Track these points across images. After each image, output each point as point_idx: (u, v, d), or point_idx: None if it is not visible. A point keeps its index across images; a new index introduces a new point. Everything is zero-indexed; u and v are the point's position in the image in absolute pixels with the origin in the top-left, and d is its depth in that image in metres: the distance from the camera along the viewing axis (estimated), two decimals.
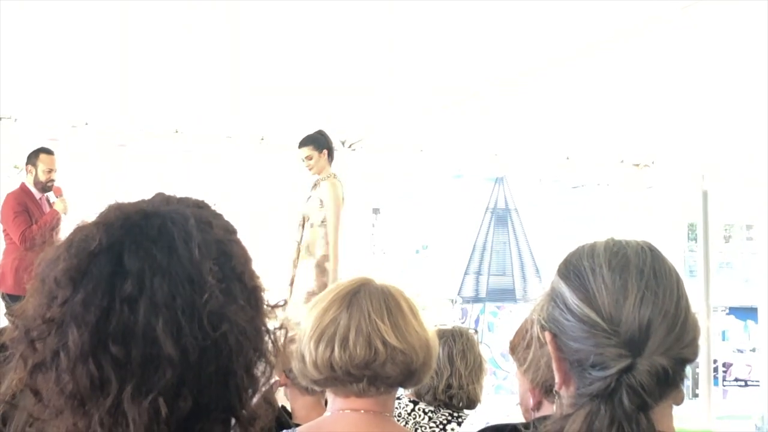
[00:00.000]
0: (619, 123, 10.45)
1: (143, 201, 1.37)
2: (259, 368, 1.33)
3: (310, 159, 9.00)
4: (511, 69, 9.35)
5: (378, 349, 2.36)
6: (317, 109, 9.75)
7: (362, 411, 2.41)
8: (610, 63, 9.23)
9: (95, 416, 1.23)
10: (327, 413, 2.52)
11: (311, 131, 9.13)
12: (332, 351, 2.37)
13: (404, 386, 2.56)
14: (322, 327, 2.41)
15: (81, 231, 1.34)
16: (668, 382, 1.59)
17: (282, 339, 1.38)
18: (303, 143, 9.04)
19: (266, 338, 1.35)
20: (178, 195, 1.40)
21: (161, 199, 1.38)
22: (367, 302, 2.42)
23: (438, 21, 8.45)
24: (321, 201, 8.91)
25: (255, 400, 1.33)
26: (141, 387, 1.22)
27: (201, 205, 1.39)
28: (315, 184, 8.96)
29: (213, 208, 1.40)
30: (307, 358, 2.42)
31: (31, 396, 1.28)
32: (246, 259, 1.37)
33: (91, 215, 1.36)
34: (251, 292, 1.34)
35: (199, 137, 10.13)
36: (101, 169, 9.93)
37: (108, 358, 1.22)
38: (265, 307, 1.37)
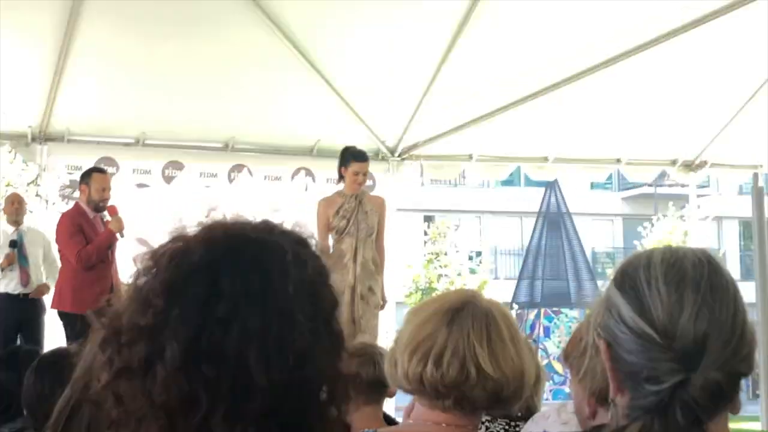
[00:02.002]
0: (670, 123, 10.38)
1: (247, 224, 1.37)
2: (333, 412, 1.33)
3: (366, 174, 8.80)
4: (561, 72, 9.36)
5: (470, 373, 2.30)
6: (367, 117, 9.82)
7: (444, 425, 2.37)
8: (657, 63, 9.20)
9: (179, 430, 1.24)
10: (409, 421, 2.51)
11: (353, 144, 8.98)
12: (425, 366, 2.32)
13: (491, 411, 2.51)
14: (419, 339, 2.36)
15: (181, 242, 1.33)
16: (723, 397, 1.57)
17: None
18: (366, 157, 8.78)
19: (342, 384, 1.35)
20: (284, 225, 1.40)
21: (265, 227, 1.37)
22: (468, 323, 2.36)
23: (488, 28, 8.48)
24: (378, 214, 8.70)
25: None
26: (233, 412, 1.23)
27: (301, 243, 1.38)
28: (361, 198, 8.61)
29: (313, 247, 1.40)
30: (399, 368, 2.38)
31: (113, 400, 1.29)
32: (334, 304, 1.37)
33: (191, 226, 1.36)
34: (336, 337, 1.35)
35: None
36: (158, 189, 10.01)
37: (200, 376, 1.23)
38: (345, 353, 1.37)
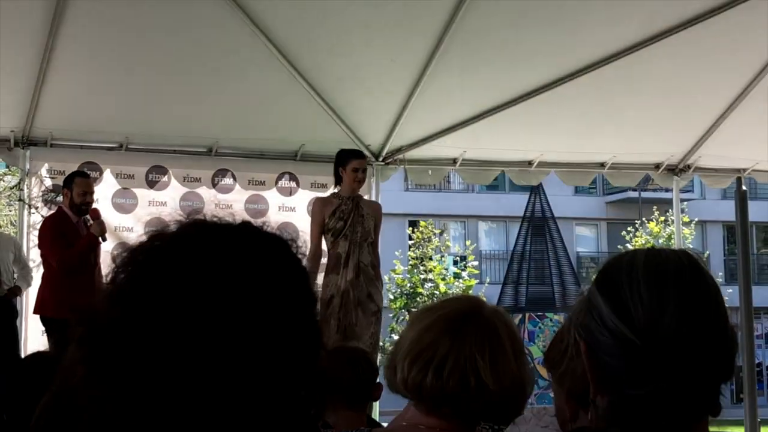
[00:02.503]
0: (654, 128, 10.41)
1: (224, 224, 1.37)
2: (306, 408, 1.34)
3: (365, 171, 8.66)
4: (544, 77, 9.38)
5: (470, 385, 2.27)
6: (352, 121, 9.82)
7: (438, 430, 2.34)
8: (640, 68, 9.23)
9: (154, 427, 1.23)
10: (403, 423, 2.49)
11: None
12: (425, 376, 2.29)
13: (488, 421, 2.47)
14: (421, 347, 2.33)
15: (155, 240, 1.33)
16: (702, 401, 1.56)
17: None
18: (364, 155, 8.74)
19: (318, 380, 1.35)
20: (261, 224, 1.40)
21: (243, 227, 1.37)
22: (471, 334, 2.32)
23: (473, 33, 8.49)
24: (374, 219, 8.53)
25: None
26: (205, 409, 1.23)
27: (281, 244, 1.37)
28: (358, 201, 8.45)
29: (293, 249, 1.40)
30: (398, 374, 2.35)
31: (86, 397, 1.28)
32: (313, 306, 1.36)
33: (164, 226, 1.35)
34: (312, 338, 1.34)
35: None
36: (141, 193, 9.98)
37: (173, 373, 1.22)
38: (321, 352, 1.37)
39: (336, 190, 8.55)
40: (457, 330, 2.32)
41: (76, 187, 8.50)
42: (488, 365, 2.28)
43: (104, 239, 8.45)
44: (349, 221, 8.31)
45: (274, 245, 1.37)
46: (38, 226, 8.87)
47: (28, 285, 9.06)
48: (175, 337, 1.24)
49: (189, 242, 1.32)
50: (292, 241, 1.40)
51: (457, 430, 2.34)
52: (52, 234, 8.40)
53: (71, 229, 8.45)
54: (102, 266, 8.39)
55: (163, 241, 1.33)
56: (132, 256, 1.32)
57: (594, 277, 1.71)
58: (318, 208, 8.46)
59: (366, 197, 8.98)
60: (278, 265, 1.33)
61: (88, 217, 8.49)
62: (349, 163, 8.33)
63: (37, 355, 3.76)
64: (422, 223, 30.79)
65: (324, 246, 8.40)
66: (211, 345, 1.23)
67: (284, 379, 1.28)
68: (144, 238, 1.34)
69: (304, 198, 10.43)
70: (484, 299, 2.52)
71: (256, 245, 1.34)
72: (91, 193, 8.65)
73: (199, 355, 1.23)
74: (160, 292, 1.26)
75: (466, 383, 2.27)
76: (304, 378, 1.31)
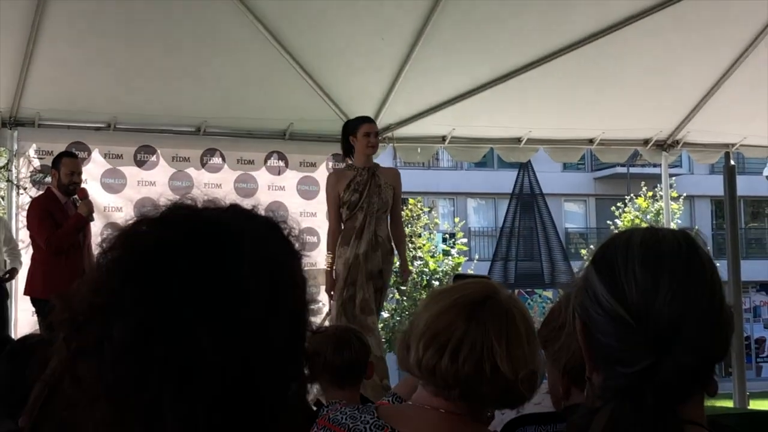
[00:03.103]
0: (643, 103, 10.41)
1: (210, 206, 1.37)
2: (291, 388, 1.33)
3: (378, 135, 8.31)
4: (532, 53, 9.37)
5: (485, 371, 2.25)
6: (340, 100, 9.80)
7: (442, 410, 2.32)
8: (629, 43, 9.22)
9: (131, 411, 1.23)
10: (409, 402, 2.48)
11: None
12: (440, 359, 2.27)
13: (497, 407, 2.45)
14: (436, 330, 2.30)
15: (140, 224, 1.33)
16: (695, 380, 1.57)
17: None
18: (372, 119, 8.41)
19: (304, 363, 1.35)
20: (251, 207, 1.39)
21: (230, 209, 1.37)
22: (488, 319, 2.29)
23: (460, 12, 8.47)
24: (393, 188, 8.20)
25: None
26: (182, 392, 1.22)
27: (268, 225, 1.37)
28: (374, 170, 8.11)
29: (285, 230, 1.39)
30: (412, 355, 2.32)
31: (70, 380, 1.28)
32: (301, 285, 1.36)
33: (151, 209, 1.35)
34: (298, 318, 1.34)
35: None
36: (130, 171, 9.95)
37: (150, 357, 1.23)
38: (306, 332, 1.36)
39: (349, 162, 8.24)
40: (473, 314, 2.30)
41: (64, 167, 8.48)
42: (505, 352, 2.26)
43: (92, 219, 8.41)
44: (365, 193, 8.01)
45: (260, 225, 1.36)
46: (27, 207, 8.84)
47: (21, 264, 9.03)
48: (151, 318, 1.23)
49: (168, 224, 1.32)
50: (284, 223, 1.39)
51: (463, 413, 2.32)
52: (40, 215, 8.37)
53: (59, 210, 8.43)
54: (92, 246, 8.37)
55: (144, 224, 1.33)
56: (116, 242, 1.31)
57: (591, 256, 1.72)
58: (332, 183, 8.16)
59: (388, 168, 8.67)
60: (259, 244, 1.33)
61: (76, 197, 8.47)
62: (360, 129, 8.04)
63: (27, 339, 3.75)
64: (411, 200, 30.79)
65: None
66: (188, 327, 1.23)
67: (264, 357, 1.27)
68: (131, 222, 1.34)
69: (293, 177, 10.42)
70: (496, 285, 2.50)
71: (236, 225, 1.33)
72: (79, 173, 8.62)
73: (175, 338, 1.23)
74: (144, 280, 1.26)
75: (480, 368, 2.25)
76: (288, 361, 1.31)
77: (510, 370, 2.26)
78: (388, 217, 8.18)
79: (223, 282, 1.26)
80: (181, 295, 1.24)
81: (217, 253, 1.28)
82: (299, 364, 1.34)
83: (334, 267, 8.05)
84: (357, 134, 8.03)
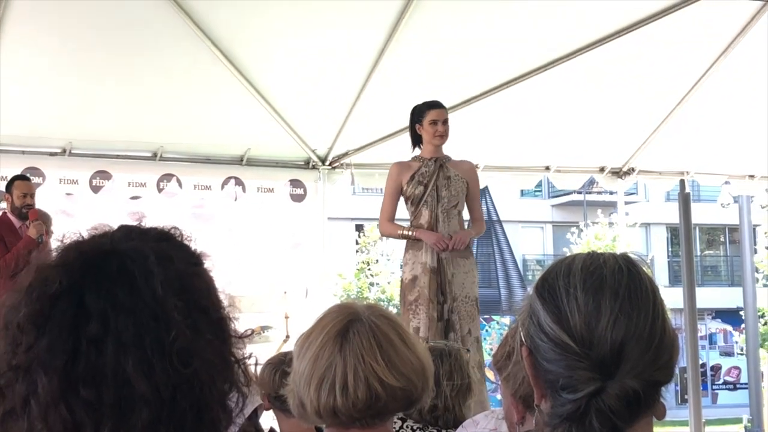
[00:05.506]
0: (598, 131, 10.49)
1: (102, 237, 1.35)
2: (233, 399, 1.32)
3: (446, 123, 7.44)
4: (490, 80, 9.42)
5: (378, 391, 2.28)
6: (297, 125, 9.79)
7: None
8: (585, 71, 9.30)
9: None
10: None
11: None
12: (334, 398, 2.28)
13: (406, 412, 2.49)
14: (320, 372, 2.31)
15: (40, 273, 1.31)
16: (640, 405, 1.56)
17: (252, 367, 1.37)
18: (441, 104, 7.48)
19: (236, 369, 1.34)
20: (144, 225, 1.38)
21: (122, 234, 1.36)
22: (357, 343, 2.31)
23: (417, 39, 8.50)
24: (467, 182, 7.48)
25: (232, 430, 1.32)
26: (118, 429, 1.21)
27: (164, 238, 1.37)
28: (443, 162, 7.40)
29: (179, 237, 1.38)
30: (308, 406, 2.33)
31: None
32: (209, 291, 1.35)
33: (49, 256, 1.35)
34: (217, 324, 1.33)
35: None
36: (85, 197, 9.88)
37: (79, 402, 1.21)
38: (232, 337, 1.35)
39: (416, 154, 7.52)
40: (343, 344, 2.32)
41: (16, 190, 8.45)
42: (384, 365, 2.29)
43: (41, 240, 8.31)
44: (430, 185, 7.29)
45: (155, 240, 1.36)
46: None
47: None
48: (74, 363, 1.22)
49: (68, 266, 1.31)
50: (174, 229, 1.39)
51: (377, 430, 2.35)
52: None
53: (13, 234, 8.37)
54: None
55: (44, 272, 1.33)
56: (21, 298, 1.30)
57: (534, 283, 1.72)
58: (395, 173, 7.42)
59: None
60: (164, 261, 1.32)
61: (29, 220, 8.41)
62: (426, 116, 7.31)
63: None
64: (369, 228, 30.78)
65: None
66: (113, 362, 1.22)
67: (195, 373, 1.26)
68: (28, 273, 1.34)
69: (250, 203, 10.39)
70: (356, 301, 2.53)
71: (135, 248, 1.33)
72: (32, 195, 8.58)
73: (102, 377, 1.22)
74: (58, 329, 1.25)
75: (373, 390, 2.28)
76: (216, 366, 1.30)
77: (397, 378, 2.29)
78: (460, 215, 7.46)
79: (139, 309, 1.25)
80: (100, 332, 1.22)
81: (127, 281, 1.27)
82: (232, 370, 1.33)
83: (406, 277, 7.33)
84: (423, 122, 7.35)
